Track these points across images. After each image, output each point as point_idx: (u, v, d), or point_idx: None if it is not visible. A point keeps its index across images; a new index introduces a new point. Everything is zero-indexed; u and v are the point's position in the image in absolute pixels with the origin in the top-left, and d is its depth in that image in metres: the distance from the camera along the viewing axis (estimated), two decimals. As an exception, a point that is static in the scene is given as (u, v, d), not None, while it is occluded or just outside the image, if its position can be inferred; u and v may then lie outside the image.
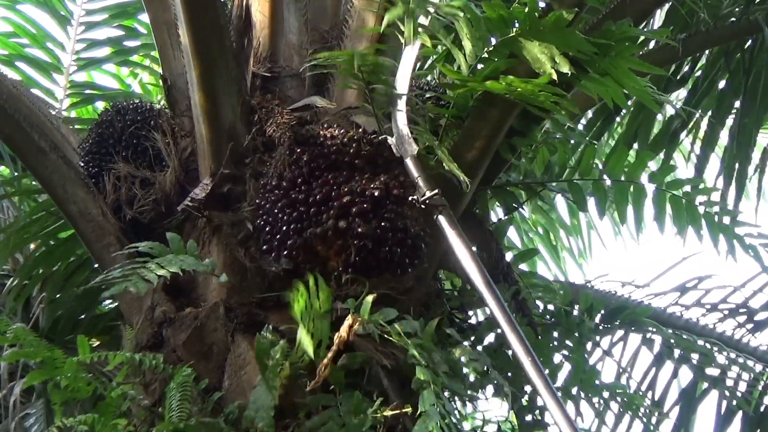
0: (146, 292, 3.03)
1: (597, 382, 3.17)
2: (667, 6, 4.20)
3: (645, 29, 3.96)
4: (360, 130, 2.83)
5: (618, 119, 4.81)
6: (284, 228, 2.72)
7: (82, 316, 4.64)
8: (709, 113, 4.45)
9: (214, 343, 2.81)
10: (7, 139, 3.56)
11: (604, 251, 9.32)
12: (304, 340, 2.51)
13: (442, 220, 2.56)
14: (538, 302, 3.47)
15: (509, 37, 2.60)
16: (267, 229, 2.78)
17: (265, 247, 2.80)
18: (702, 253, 3.73)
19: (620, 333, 4.11)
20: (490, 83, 2.61)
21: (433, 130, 2.88)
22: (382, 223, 2.65)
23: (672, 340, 3.63)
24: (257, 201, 2.88)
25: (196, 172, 3.19)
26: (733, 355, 3.66)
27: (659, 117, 4.78)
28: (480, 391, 2.80)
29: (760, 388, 3.95)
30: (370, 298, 2.56)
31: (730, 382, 3.85)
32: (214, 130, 3.03)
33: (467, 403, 2.88)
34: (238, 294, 2.88)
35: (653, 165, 4.55)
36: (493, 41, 2.67)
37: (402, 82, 2.81)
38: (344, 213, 2.65)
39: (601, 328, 3.57)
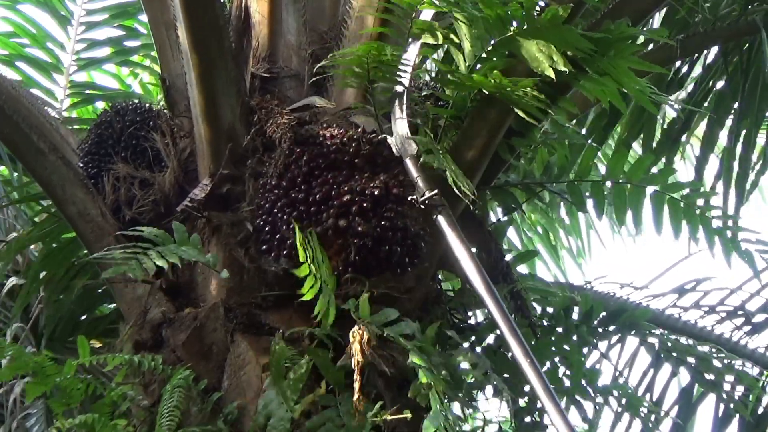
0: (145, 292, 3.06)
1: (597, 384, 3.16)
2: (665, 7, 4.20)
3: (643, 30, 3.95)
4: (359, 129, 2.83)
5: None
6: (284, 227, 2.71)
7: (83, 317, 4.64)
8: (708, 114, 4.45)
9: (214, 343, 2.81)
10: (6, 140, 3.56)
11: (604, 251, 9.33)
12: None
13: (441, 220, 2.56)
14: (535, 305, 3.47)
15: (507, 36, 2.59)
16: (266, 228, 2.77)
17: (264, 246, 2.79)
18: (700, 254, 3.73)
19: (618, 335, 4.10)
20: (478, 77, 2.60)
21: (433, 130, 2.88)
22: (382, 222, 2.64)
23: (669, 344, 3.62)
24: (257, 201, 2.87)
25: (196, 173, 3.19)
26: (731, 361, 3.65)
27: (659, 118, 4.77)
28: (480, 392, 2.80)
29: (758, 391, 3.95)
30: (365, 296, 2.54)
31: (727, 387, 3.84)
32: (214, 131, 3.04)
33: (466, 406, 2.87)
34: (238, 294, 2.88)
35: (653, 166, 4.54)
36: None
37: (402, 81, 2.80)
38: (344, 212, 2.64)
39: (600, 330, 3.56)
